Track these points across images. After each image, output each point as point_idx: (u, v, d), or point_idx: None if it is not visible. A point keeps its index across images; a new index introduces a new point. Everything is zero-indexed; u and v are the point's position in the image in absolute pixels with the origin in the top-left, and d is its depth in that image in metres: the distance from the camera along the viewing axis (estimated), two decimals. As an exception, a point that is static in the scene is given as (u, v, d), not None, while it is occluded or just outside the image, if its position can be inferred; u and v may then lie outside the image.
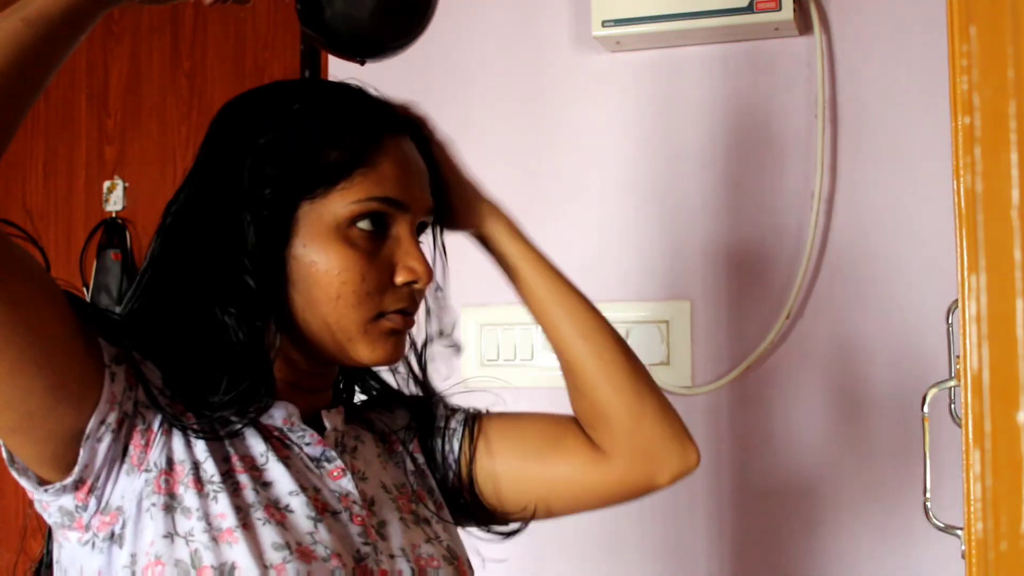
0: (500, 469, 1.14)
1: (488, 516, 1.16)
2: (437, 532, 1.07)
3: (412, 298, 1.02)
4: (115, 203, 2.15)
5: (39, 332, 0.85)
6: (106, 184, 2.16)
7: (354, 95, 1.04)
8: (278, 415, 1.00)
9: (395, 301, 1.00)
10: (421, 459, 1.14)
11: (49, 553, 0.99)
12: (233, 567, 0.89)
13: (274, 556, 0.90)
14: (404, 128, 1.05)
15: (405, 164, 1.02)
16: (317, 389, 1.06)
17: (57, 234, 2.19)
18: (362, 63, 1.11)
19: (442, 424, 1.15)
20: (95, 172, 2.18)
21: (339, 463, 1.02)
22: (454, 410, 1.17)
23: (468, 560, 1.09)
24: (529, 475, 1.14)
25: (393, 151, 1.01)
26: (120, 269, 2.12)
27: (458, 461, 1.14)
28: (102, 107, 2.18)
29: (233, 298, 0.97)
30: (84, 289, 2.13)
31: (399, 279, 1.00)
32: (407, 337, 1.05)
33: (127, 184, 2.15)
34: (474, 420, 1.16)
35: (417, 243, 1.02)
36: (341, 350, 1.00)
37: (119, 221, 2.15)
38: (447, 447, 1.14)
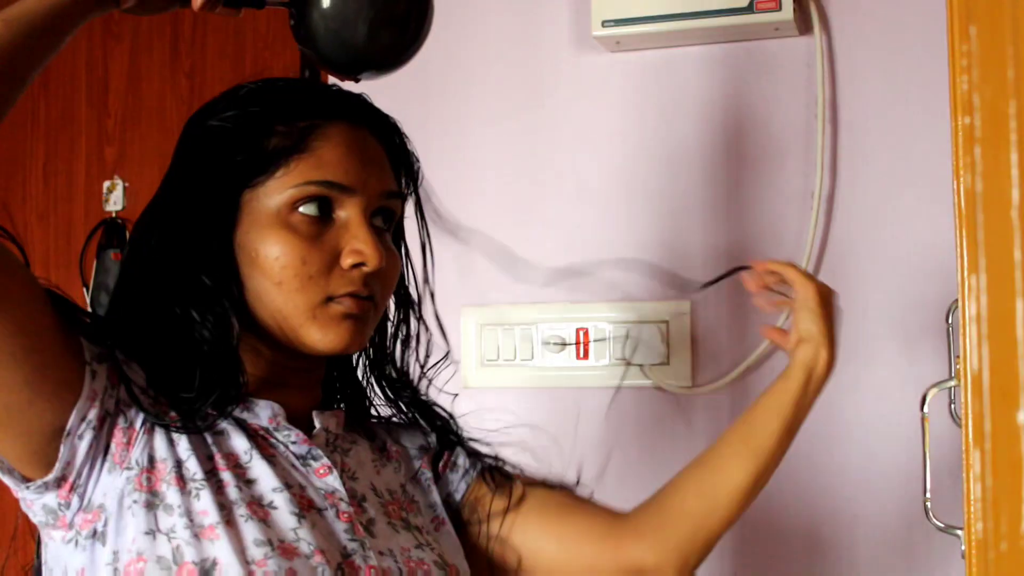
0: (518, 530, 1.12)
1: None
2: (429, 540, 1.06)
3: (364, 282, 0.99)
4: (115, 203, 2.15)
5: (18, 326, 0.86)
6: (106, 184, 2.16)
7: (305, 85, 1.07)
8: (263, 414, 1.00)
9: (343, 285, 0.98)
10: (428, 474, 1.13)
11: (39, 556, 0.99)
12: (215, 563, 0.89)
13: (256, 552, 0.90)
14: (352, 116, 1.03)
15: (349, 148, 1.00)
16: (302, 387, 1.05)
17: (57, 234, 2.19)
18: (356, 81, 1.11)
19: (455, 460, 1.14)
20: (95, 172, 2.18)
21: (325, 461, 1.01)
22: (461, 444, 1.15)
23: (463, 571, 1.08)
24: (525, 529, 1.12)
25: (335, 136, 1.00)
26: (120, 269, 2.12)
27: (460, 503, 1.13)
28: (102, 107, 2.18)
29: (193, 294, 0.98)
30: (84, 289, 2.13)
31: (345, 262, 0.98)
32: (366, 325, 1.02)
33: (127, 184, 2.15)
34: (488, 467, 1.14)
35: (368, 226, 1.00)
36: (295, 339, 0.99)
37: (119, 221, 2.15)
38: (458, 484, 1.13)
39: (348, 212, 1.00)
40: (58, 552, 0.94)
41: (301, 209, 0.98)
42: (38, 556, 1.00)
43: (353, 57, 1.08)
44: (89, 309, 2.08)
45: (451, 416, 1.17)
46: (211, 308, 0.97)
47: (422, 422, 1.16)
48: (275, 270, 0.97)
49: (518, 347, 1.76)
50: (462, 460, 1.15)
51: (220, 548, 0.89)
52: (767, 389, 1.17)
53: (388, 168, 1.05)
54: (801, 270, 1.19)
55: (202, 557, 0.89)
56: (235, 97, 1.02)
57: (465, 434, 1.17)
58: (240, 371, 0.98)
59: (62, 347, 0.89)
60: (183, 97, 2.13)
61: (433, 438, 1.15)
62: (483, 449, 1.17)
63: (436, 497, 1.12)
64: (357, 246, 0.98)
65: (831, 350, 1.16)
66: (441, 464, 1.14)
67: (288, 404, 1.02)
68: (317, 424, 1.04)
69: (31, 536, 1.03)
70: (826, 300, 1.17)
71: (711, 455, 1.17)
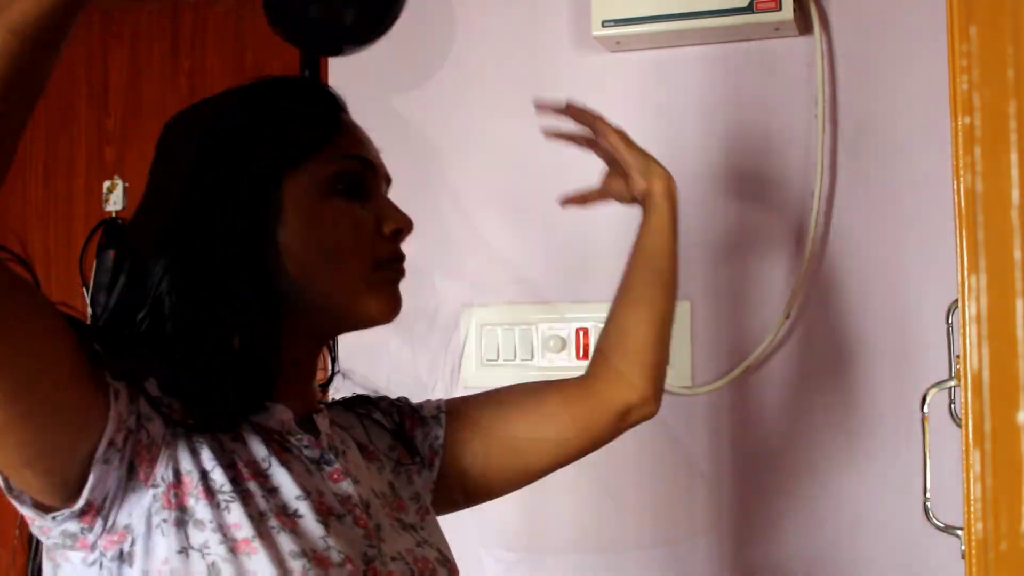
0: (487, 434, 1.18)
1: (474, 495, 1.20)
2: (426, 536, 1.07)
3: (399, 249, 1.05)
4: (115, 203, 2.15)
5: (54, 372, 0.82)
6: (106, 184, 2.16)
7: (300, 79, 1.13)
8: (274, 418, 0.99)
9: (387, 250, 1.04)
10: (405, 465, 1.13)
11: (36, 571, 0.96)
12: None
13: (295, 565, 0.88)
14: (342, 106, 1.10)
15: (363, 135, 1.08)
16: (301, 382, 1.05)
17: (57, 234, 2.19)
18: (331, 55, 1.13)
19: (420, 414, 1.17)
20: (95, 172, 2.18)
21: (338, 465, 1.01)
22: (425, 401, 1.19)
23: (454, 562, 1.09)
24: (515, 433, 1.19)
25: (346, 125, 1.06)
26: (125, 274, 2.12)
27: (444, 446, 1.16)
28: (102, 107, 2.18)
29: (237, 292, 0.96)
30: (84, 289, 2.13)
31: (388, 227, 1.03)
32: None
33: (127, 184, 2.15)
34: (449, 404, 1.20)
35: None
36: (350, 312, 1.02)
37: (119, 221, 2.15)
38: (433, 434, 1.16)
39: (373, 188, 1.05)
40: (76, 574, 0.90)
41: (340, 186, 1.02)
42: (32, 562, 0.97)
43: (328, 32, 1.11)
44: (89, 309, 2.08)
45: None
46: (261, 309, 0.97)
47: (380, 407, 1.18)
48: (330, 240, 1.00)
49: (518, 347, 1.76)
50: (425, 411, 1.18)
51: (259, 562, 0.87)
52: (644, 225, 1.32)
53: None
54: (598, 116, 1.35)
55: (240, 572, 0.87)
56: (245, 98, 1.04)
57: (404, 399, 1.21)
58: (271, 370, 0.98)
59: (89, 376, 0.85)
60: (183, 97, 2.13)
61: (392, 416, 1.17)
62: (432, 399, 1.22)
63: (418, 487, 1.13)
64: (394, 214, 1.05)
65: (660, 165, 1.32)
66: (408, 430, 1.16)
67: (293, 406, 1.01)
68: (321, 428, 1.03)
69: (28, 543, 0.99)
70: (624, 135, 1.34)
71: (630, 294, 1.30)
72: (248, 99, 1.04)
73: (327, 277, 1.00)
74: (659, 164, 1.32)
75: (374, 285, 1.02)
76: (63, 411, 0.84)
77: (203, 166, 1.00)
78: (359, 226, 1.02)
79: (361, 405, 1.16)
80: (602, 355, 1.27)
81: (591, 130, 1.35)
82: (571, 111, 1.35)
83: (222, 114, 1.02)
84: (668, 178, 1.31)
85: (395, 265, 1.04)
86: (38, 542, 0.95)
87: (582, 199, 1.41)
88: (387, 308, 1.03)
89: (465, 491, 1.19)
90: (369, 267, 1.02)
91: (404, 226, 1.04)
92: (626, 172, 1.32)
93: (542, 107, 1.36)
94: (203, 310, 0.96)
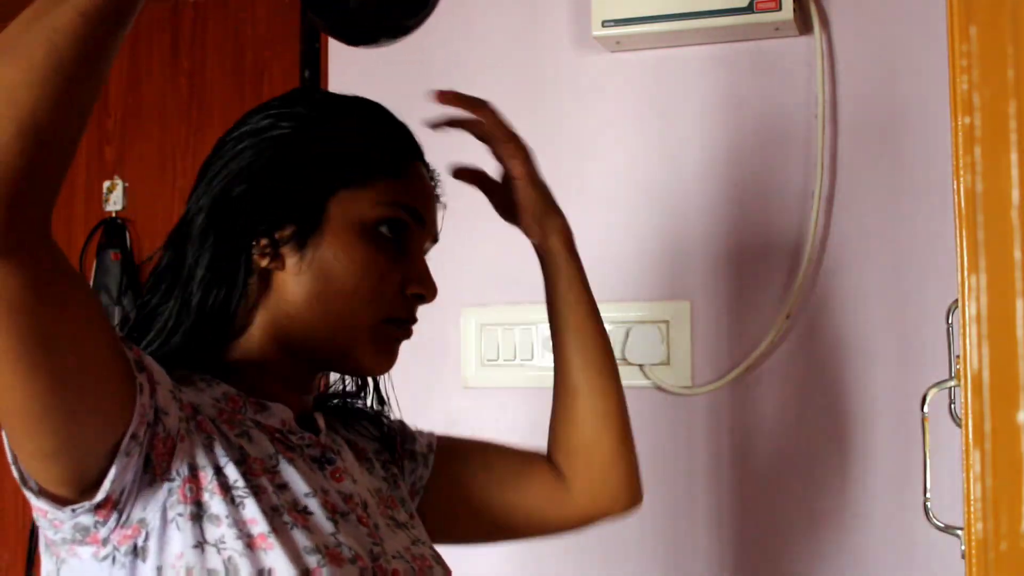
0: (464, 496, 1.17)
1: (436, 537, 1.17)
2: (418, 535, 1.07)
3: (415, 312, 1.04)
4: (115, 203, 2.15)
5: (99, 364, 0.82)
6: (106, 184, 2.16)
7: (383, 111, 1.07)
8: (276, 417, 0.99)
9: (403, 310, 1.02)
10: (394, 470, 1.14)
11: (31, 564, 0.95)
12: (271, 573, 0.87)
13: (310, 560, 0.89)
14: (422, 156, 1.08)
15: (427, 188, 1.07)
16: (308, 387, 1.05)
17: (57, 234, 2.18)
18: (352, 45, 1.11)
19: (411, 447, 1.17)
20: (95, 172, 2.18)
21: (339, 464, 1.01)
22: (419, 433, 1.19)
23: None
24: (490, 504, 1.18)
25: (418, 173, 1.06)
26: (120, 269, 2.12)
27: (426, 487, 1.16)
28: (102, 107, 2.18)
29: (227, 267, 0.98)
30: (84, 289, 2.14)
31: (412, 289, 1.02)
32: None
33: (127, 184, 2.15)
34: (440, 447, 1.19)
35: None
36: (343, 353, 1.00)
37: (119, 221, 2.15)
38: (418, 473, 1.16)
39: (415, 245, 1.04)
40: (85, 570, 0.89)
41: (384, 229, 1.01)
42: (29, 563, 0.96)
43: (370, 20, 1.07)
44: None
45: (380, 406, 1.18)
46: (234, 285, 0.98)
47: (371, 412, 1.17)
48: (353, 280, 0.99)
49: (518, 347, 1.76)
50: (418, 447, 1.18)
51: (275, 557, 0.88)
52: (552, 289, 1.21)
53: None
54: (506, 129, 1.19)
55: (258, 568, 0.87)
56: (328, 108, 1.04)
57: (399, 421, 1.20)
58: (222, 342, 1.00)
59: (123, 369, 0.85)
60: (183, 97, 2.13)
61: (376, 429, 1.16)
62: (424, 431, 1.21)
63: (404, 492, 1.14)
64: (422, 279, 1.03)
65: (559, 213, 1.21)
66: (397, 456, 1.16)
67: (293, 405, 1.02)
68: (320, 426, 1.04)
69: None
70: (532, 166, 1.20)
71: (573, 387, 1.19)
72: (335, 105, 1.05)
73: (336, 311, 0.99)
74: (558, 212, 1.20)
75: (377, 338, 1.01)
76: (101, 403, 0.83)
77: (269, 150, 1.00)
78: (384, 279, 1.00)
79: (345, 412, 1.15)
80: (572, 461, 1.20)
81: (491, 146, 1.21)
82: (459, 100, 1.17)
83: (293, 113, 1.02)
84: (567, 230, 1.21)
85: (404, 325, 1.03)
86: (34, 538, 0.94)
87: (472, 177, 1.24)
88: (382, 363, 1.03)
89: (430, 532, 1.16)
90: (380, 316, 1.01)
91: (428, 294, 1.04)
92: (519, 209, 1.19)
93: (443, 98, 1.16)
94: (186, 271, 0.99)
